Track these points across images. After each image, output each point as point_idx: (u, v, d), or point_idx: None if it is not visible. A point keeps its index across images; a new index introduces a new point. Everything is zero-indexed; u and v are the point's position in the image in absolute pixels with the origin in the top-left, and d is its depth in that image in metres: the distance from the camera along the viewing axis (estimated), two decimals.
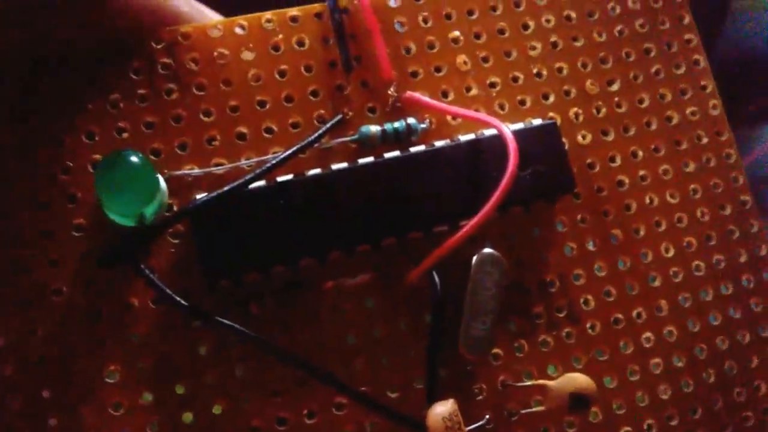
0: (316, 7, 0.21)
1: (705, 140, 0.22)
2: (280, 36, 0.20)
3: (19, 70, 0.19)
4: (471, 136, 0.20)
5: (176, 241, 0.19)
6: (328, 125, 0.20)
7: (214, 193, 0.19)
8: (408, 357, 0.20)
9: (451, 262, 0.19)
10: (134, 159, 0.18)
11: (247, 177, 0.19)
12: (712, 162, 0.22)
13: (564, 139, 0.21)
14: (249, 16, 0.20)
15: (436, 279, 0.20)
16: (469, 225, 0.19)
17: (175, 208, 0.19)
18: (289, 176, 0.19)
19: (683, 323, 0.21)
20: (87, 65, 0.19)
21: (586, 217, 0.21)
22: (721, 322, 0.22)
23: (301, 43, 0.20)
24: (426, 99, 0.21)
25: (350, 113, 0.20)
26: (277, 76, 0.20)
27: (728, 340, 0.22)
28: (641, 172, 0.22)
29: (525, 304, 0.21)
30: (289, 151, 0.19)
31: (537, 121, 0.21)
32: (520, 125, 0.21)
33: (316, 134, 0.20)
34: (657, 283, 0.21)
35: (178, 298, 0.18)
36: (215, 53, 0.20)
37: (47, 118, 0.19)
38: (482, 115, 0.20)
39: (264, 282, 0.19)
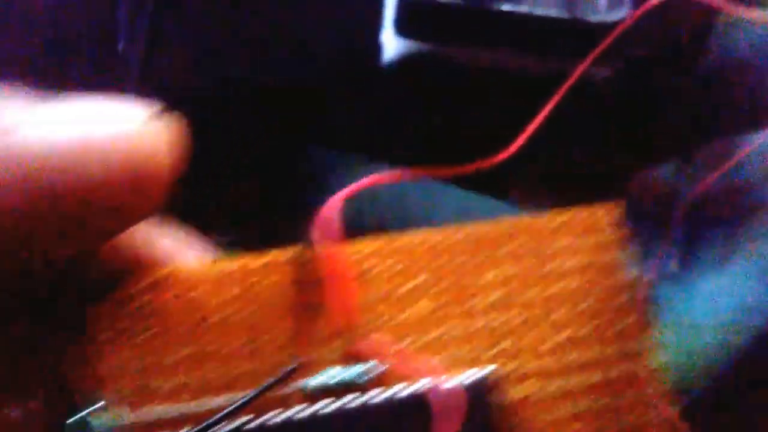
0: (287, 253, 0.22)
1: None
2: (254, 279, 0.22)
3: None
4: (427, 381, 0.21)
5: None
6: (289, 369, 0.21)
7: None
8: None
9: None
10: None
11: (206, 423, 0.20)
12: None
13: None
14: (225, 260, 0.22)
15: None
16: None
17: None
18: (249, 417, 0.20)
19: None
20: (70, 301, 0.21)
21: None
22: None
23: (272, 287, 0.22)
24: (385, 345, 0.22)
25: (313, 356, 0.22)
26: (248, 318, 0.22)
27: None
28: None
29: None
30: (245, 399, 0.20)
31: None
32: (474, 373, 0.22)
33: (275, 379, 0.21)
34: None
35: None
36: (192, 294, 0.22)
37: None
38: (432, 364, 0.21)
39: None
